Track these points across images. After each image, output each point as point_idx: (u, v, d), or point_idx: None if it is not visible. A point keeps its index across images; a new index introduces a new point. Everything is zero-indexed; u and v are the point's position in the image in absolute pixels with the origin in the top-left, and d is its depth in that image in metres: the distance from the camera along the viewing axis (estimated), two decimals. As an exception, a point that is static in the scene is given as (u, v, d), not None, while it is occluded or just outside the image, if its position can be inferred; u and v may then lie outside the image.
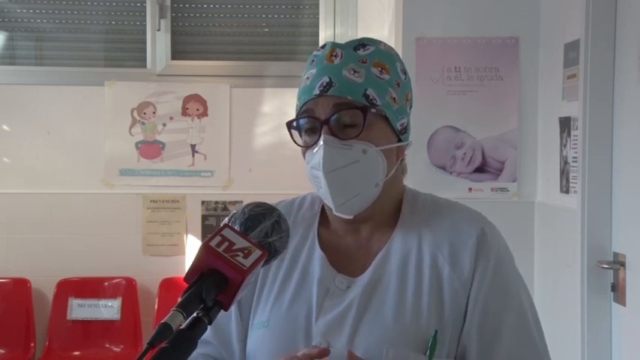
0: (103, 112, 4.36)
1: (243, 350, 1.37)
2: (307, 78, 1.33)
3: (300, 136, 1.34)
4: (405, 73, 1.37)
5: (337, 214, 1.33)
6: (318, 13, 4.45)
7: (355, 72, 1.29)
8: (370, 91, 1.29)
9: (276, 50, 4.52)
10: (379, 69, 1.32)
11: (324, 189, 1.30)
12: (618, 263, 2.76)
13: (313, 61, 1.35)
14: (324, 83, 1.29)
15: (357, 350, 1.24)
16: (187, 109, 4.39)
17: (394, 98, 1.32)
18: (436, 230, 1.34)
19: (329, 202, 1.32)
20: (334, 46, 1.34)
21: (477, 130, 3.44)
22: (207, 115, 4.38)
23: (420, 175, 3.37)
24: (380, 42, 1.37)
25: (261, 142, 4.40)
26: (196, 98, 4.38)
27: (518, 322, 1.31)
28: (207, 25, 4.52)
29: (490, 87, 3.44)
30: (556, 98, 3.21)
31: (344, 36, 4.34)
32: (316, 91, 1.29)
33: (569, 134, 3.07)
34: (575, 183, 2.96)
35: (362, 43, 1.34)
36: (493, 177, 3.46)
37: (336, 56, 1.31)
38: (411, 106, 1.39)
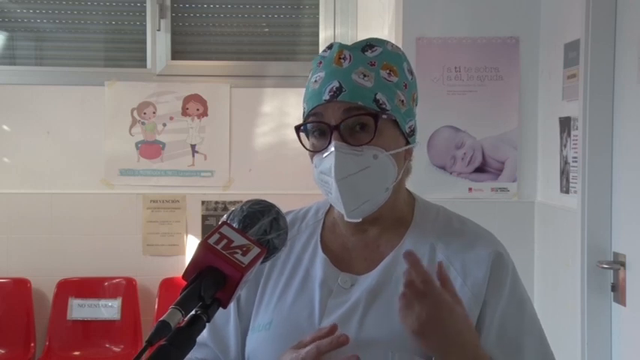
0: (103, 112, 4.36)
1: (240, 353, 1.36)
2: (315, 81, 1.31)
3: (308, 138, 1.33)
4: (411, 73, 1.36)
5: (348, 219, 1.33)
6: (318, 13, 4.45)
7: (365, 76, 1.28)
8: (380, 96, 1.28)
9: (276, 50, 4.52)
10: (387, 71, 1.30)
11: (334, 195, 1.29)
12: (618, 263, 2.76)
13: (320, 62, 1.33)
14: (334, 88, 1.27)
15: (363, 349, 1.23)
16: (187, 109, 4.39)
17: (402, 101, 1.31)
18: (449, 245, 1.34)
19: (340, 209, 1.32)
20: (342, 47, 1.32)
21: (476, 130, 3.45)
22: (207, 115, 4.38)
23: (420, 175, 3.36)
24: (387, 42, 1.35)
25: (261, 142, 4.40)
26: (196, 98, 4.38)
27: (537, 339, 1.34)
28: (207, 25, 4.52)
29: (490, 87, 3.44)
30: (556, 98, 3.21)
31: (344, 36, 4.34)
32: (326, 96, 1.27)
33: (569, 134, 3.07)
34: (575, 183, 2.96)
35: (369, 44, 1.32)
36: (493, 177, 3.46)
37: (344, 59, 1.29)
38: (416, 105, 1.38)
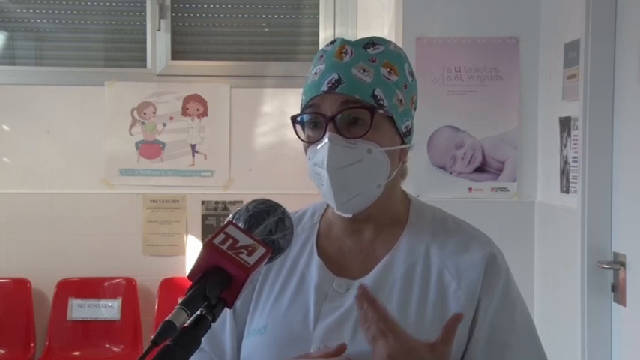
0: (103, 112, 4.36)
1: (236, 357, 1.36)
2: (315, 73, 1.31)
3: (303, 131, 1.33)
4: (412, 75, 1.36)
5: (338, 212, 1.33)
6: (318, 13, 4.45)
7: (364, 71, 1.28)
8: (378, 91, 1.28)
9: (276, 50, 4.52)
10: (388, 69, 1.31)
11: (326, 187, 1.29)
12: (618, 263, 2.76)
13: (322, 56, 1.33)
14: (333, 80, 1.27)
15: (355, 354, 1.22)
16: (187, 109, 4.39)
17: (400, 100, 1.31)
18: (444, 247, 1.33)
19: (331, 200, 1.31)
20: (344, 42, 1.32)
21: (476, 130, 3.45)
22: (207, 115, 4.39)
23: (420, 175, 3.38)
24: (390, 42, 1.36)
25: (261, 142, 4.40)
26: (196, 98, 4.39)
27: (528, 336, 1.33)
28: (207, 25, 4.52)
29: (490, 87, 3.45)
30: (556, 98, 3.21)
31: (344, 36, 4.29)
32: (324, 88, 1.28)
33: (569, 134, 3.07)
34: (575, 183, 2.96)
35: (372, 42, 1.33)
36: (493, 177, 3.46)
37: (345, 53, 1.30)
38: (415, 108, 1.39)
